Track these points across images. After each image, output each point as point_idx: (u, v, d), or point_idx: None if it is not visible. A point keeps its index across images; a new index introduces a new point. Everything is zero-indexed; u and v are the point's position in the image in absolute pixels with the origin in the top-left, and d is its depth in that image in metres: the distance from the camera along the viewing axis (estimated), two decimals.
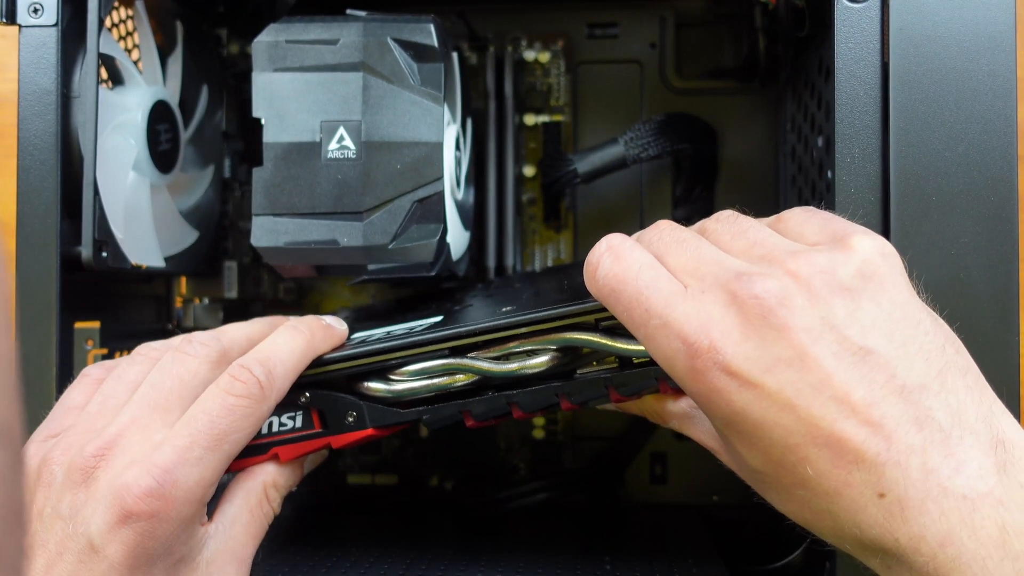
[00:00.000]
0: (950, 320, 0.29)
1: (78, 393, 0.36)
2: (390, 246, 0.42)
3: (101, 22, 0.42)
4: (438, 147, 0.43)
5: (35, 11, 0.41)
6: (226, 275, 0.57)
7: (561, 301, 0.36)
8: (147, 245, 0.47)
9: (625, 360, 0.35)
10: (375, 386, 0.37)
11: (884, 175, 0.37)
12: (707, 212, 0.57)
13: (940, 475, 0.26)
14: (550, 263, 0.58)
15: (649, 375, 0.35)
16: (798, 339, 0.27)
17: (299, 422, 0.37)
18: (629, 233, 0.34)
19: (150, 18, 0.49)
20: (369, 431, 0.37)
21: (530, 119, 0.58)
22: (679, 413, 0.36)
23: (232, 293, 0.57)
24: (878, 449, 0.27)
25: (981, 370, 0.28)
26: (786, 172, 0.55)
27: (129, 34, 0.50)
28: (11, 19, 0.41)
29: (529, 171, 0.58)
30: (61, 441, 0.34)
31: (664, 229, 0.33)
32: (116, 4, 0.48)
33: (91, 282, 0.46)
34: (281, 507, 0.38)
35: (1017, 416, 0.35)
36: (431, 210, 0.43)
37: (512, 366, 0.36)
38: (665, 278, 0.31)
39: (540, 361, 0.36)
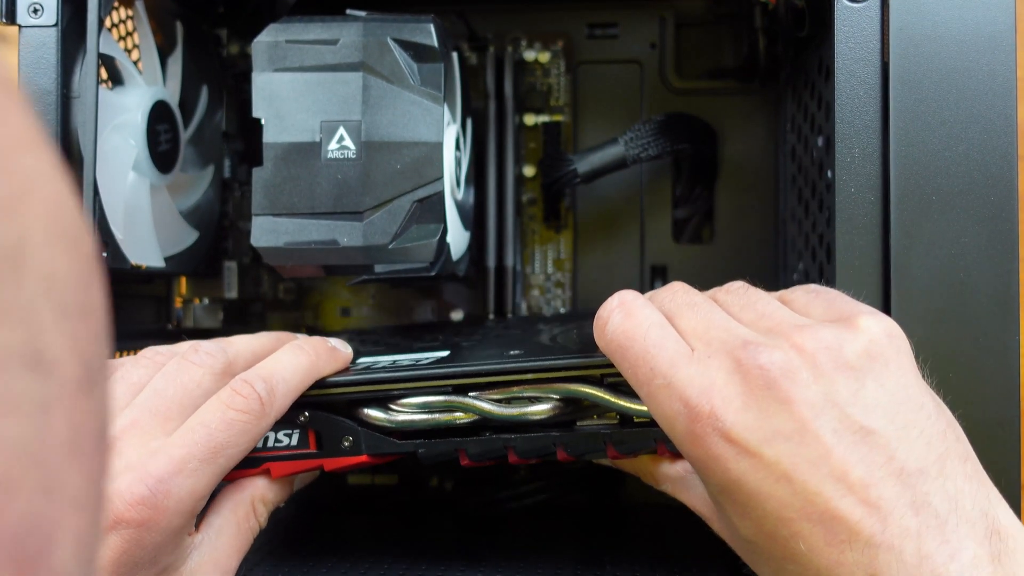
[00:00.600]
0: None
1: None
2: (390, 246, 0.42)
3: (101, 22, 0.42)
4: (438, 147, 0.43)
5: (35, 11, 0.41)
6: (226, 275, 0.57)
7: (569, 352, 0.36)
8: (147, 245, 0.47)
9: (626, 418, 0.36)
10: (375, 414, 0.37)
11: (884, 175, 0.37)
12: (707, 212, 0.57)
13: (934, 561, 0.26)
14: (550, 263, 0.58)
15: (648, 436, 0.35)
16: (800, 412, 0.27)
17: (295, 440, 0.37)
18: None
19: (150, 18, 0.49)
20: (363, 457, 0.37)
21: (530, 119, 0.57)
22: (673, 476, 0.36)
23: (232, 293, 0.57)
24: (873, 531, 0.27)
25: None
26: (786, 172, 0.55)
27: (129, 34, 0.50)
28: (11, 19, 0.41)
29: (529, 171, 0.58)
30: None
31: (677, 291, 0.33)
32: (116, 4, 0.48)
33: None
34: (267, 522, 0.38)
35: (1017, 415, 0.35)
36: (431, 210, 0.43)
37: (513, 411, 0.36)
38: (673, 339, 0.31)
39: (542, 408, 0.36)
